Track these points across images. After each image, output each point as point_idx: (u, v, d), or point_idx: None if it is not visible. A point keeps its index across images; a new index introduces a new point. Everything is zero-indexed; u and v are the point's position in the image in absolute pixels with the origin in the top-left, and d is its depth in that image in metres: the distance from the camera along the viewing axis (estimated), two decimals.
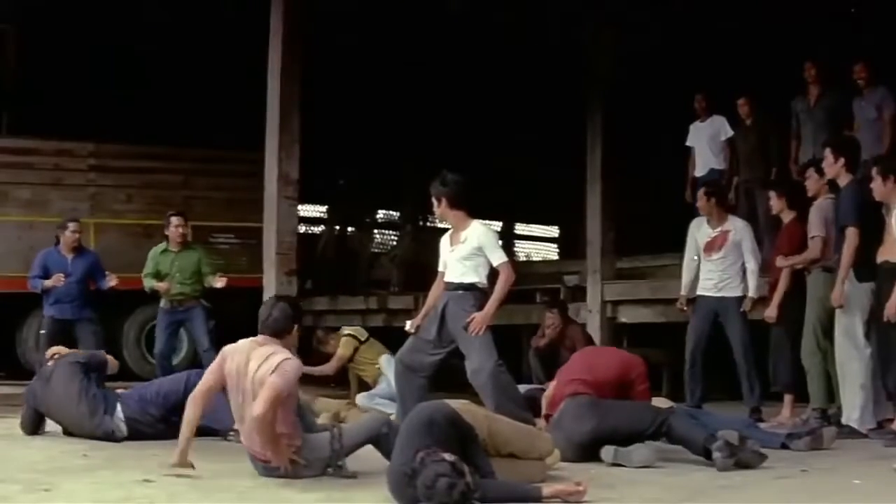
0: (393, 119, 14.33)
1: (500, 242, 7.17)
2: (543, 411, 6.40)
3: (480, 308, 6.89)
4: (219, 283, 9.74)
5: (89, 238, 11.82)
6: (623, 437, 5.94)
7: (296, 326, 5.50)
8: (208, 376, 5.45)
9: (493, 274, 7.05)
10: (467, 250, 6.96)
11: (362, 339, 9.53)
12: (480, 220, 7.18)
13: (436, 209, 7.15)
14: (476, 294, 6.95)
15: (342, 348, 9.43)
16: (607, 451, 5.88)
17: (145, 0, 12.97)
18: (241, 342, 5.44)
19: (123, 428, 6.67)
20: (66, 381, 6.78)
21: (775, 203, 8.24)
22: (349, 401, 8.78)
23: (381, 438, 5.36)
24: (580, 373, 6.28)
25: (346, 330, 9.66)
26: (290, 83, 9.88)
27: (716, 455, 5.68)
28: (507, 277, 7.00)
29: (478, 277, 6.98)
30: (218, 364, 5.42)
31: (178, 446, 5.38)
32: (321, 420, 6.65)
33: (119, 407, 6.74)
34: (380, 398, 8.91)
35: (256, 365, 5.24)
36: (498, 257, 7.00)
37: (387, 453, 5.23)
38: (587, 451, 5.94)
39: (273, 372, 5.15)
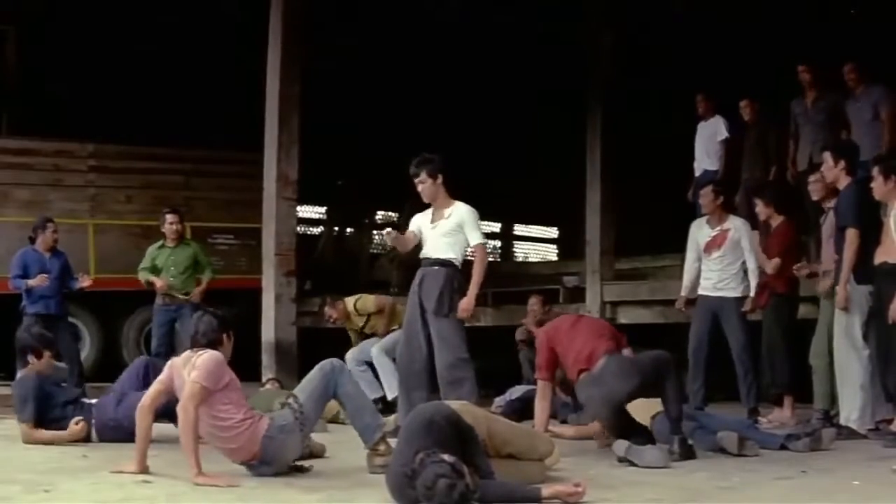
0: (392, 119, 14.32)
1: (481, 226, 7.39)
2: (579, 367, 6.32)
3: (453, 284, 7.05)
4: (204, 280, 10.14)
5: (89, 239, 11.83)
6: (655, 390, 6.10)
7: (225, 336, 5.56)
8: (156, 387, 5.53)
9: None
10: (450, 226, 7.15)
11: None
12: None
13: (428, 188, 7.21)
14: (450, 271, 7.13)
15: (377, 301, 9.49)
16: (620, 445, 5.92)
17: (145, 0, 12.98)
18: (180, 357, 5.53)
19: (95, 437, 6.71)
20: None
21: (762, 210, 8.29)
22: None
23: (333, 379, 5.52)
24: (602, 330, 6.45)
25: (354, 300, 9.67)
26: (289, 83, 9.90)
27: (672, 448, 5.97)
28: (483, 258, 7.26)
29: (454, 255, 7.18)
30: (167, 376, 5.50)
31: (135, 456, 5.42)
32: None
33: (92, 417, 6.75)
34: (379, 355, 9.08)
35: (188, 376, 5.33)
36: (476, 237, 7.22)
37: (344, 394, 5.53)
38: (621, 410, 6.04)
39: (198, 370, 5.28)
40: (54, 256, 9.91)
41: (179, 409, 5.23)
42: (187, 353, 5.51)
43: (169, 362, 5.62)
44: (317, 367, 5.69)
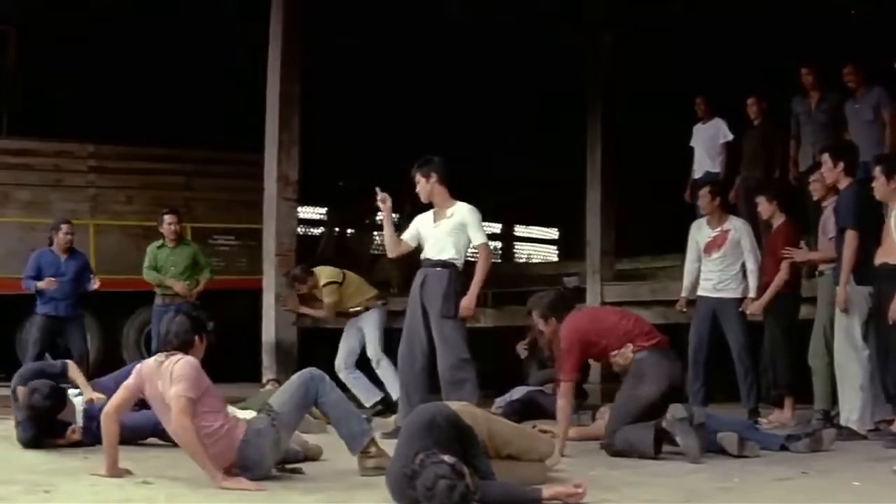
0: (393, 120, 14.32)
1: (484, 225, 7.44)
2: (650, 339, 6.47)
3: (457, 285, 7.06)
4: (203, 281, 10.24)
5: (89, 239, 11.82)
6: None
7: (197, 338, 5.46)
8: (122, 393, 5.46)
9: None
10: (453, 225, 7.17)
11: (340, 281, 9.57)
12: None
13: (423, 187, 7.28)
14: (452, 272, 7.14)
15: (329, 297, 9.44)
16: (678, 409, 6.14)
17: (145, 0, 12.97)
18: (150, 363, 5.42)
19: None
20: None
21: (765, 207, 8.29)
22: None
23: (313, 388, 5.47)
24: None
25: (324, 279, 9.54)
26: (289, 84, 9.90)
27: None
28: (486, 257, 7.30)
29: (457, 254, 7.19)
30: (134, 383, 5.41)
31: (105, 459, 5.39)
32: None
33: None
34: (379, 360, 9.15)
35: (164, 385, 5.26)
36: (480, 237, 7.25)
37: (325, 403, 5.48)
38: (669, 395, 6.32)
39: (171, 385, 5.20)
40: (71, 258, 9.96)
41: (176, 427, 5.16)
42: (157, 357, 5.41)
43: (137, 367, 5.49)
44: (295, 376, 5.65)
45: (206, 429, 5.24)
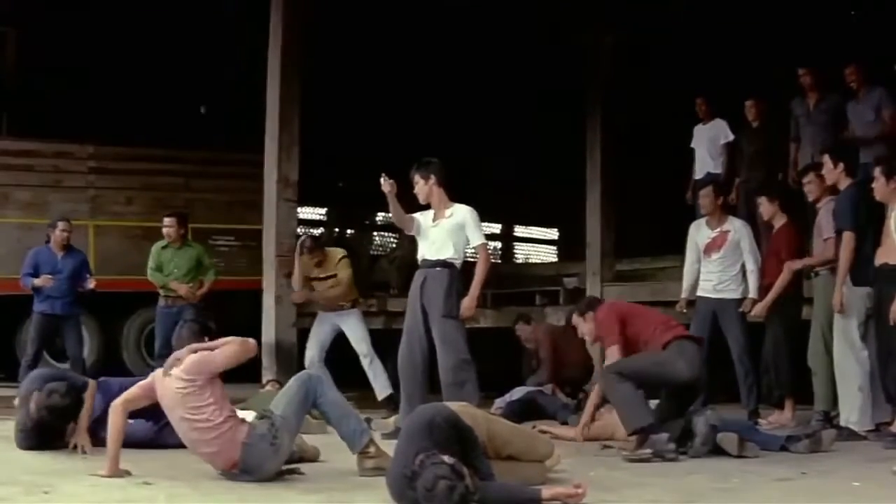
0: (393, 121, 14.33)
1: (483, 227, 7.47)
2: (677, 331, 6.60)
3: (457, 286, 7.11)
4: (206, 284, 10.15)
5: (89, 240, 11.82)
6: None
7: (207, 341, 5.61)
8: (135, 390, 5.56)
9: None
10: (453, 224, 7.20)
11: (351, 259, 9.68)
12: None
13: (421, 188, 7.30)
14: (452, 272, 7.17)
15: (346, 270, 9.42)
16: (713, 415, 6.28)
17: (145, 0, 12.97)
18: (162, 368, 5.54)
19: None
20: None
21: (766, 208, 8.28)
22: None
23: (312, 389, 5.50)
24: None
25: (340, 254, 9.59)
26: (289, 84, 9.90)
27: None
28: (486, 258, 7.37)
29: (456, 254, 7.22)
30: (149, 384, 5.53)
31: (107, 456, 5.40)
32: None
33: None
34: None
35: (172, 380, 5.41)
36: (478, 237, 7.30)
37: (325, 403, 5.50)
38: (692, 388, 6.53)
39: (184, 367, 5.39)
40: (68, 256, 9.94)
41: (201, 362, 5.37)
42: (167, 364, 5.51)
43: (153, 373, 5.61)
44: (293, 379, 5.69)
45: (206, 423, 5.31)
